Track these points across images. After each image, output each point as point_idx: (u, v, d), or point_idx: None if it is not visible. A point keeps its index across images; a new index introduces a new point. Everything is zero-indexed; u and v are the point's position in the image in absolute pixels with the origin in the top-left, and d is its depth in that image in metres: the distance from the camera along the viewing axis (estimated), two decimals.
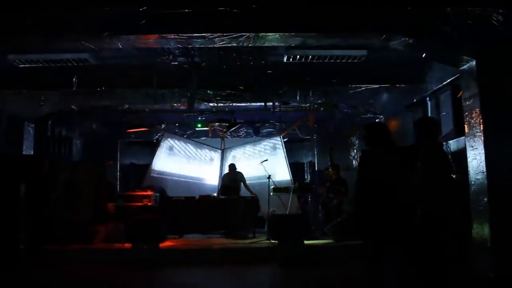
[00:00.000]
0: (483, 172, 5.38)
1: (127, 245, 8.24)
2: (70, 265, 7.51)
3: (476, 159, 5.54)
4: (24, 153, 8.77)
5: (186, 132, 11.96)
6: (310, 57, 7.35)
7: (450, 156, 6.56)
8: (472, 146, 5.60)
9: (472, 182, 5.62)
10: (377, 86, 8.42)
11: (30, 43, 5.78)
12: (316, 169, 12.14)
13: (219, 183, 11.17)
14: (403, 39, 5.39)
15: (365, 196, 4.44)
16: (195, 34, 5.33)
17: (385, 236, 4.31)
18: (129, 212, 9.03)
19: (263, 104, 9.04)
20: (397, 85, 8.30)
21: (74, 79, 7.90)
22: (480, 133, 5.43)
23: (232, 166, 10.54)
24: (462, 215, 5.57)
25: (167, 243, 8.56)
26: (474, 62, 5.52)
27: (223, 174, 10.97)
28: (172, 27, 5.25)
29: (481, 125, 5.41)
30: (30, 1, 4.73)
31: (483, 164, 5.38)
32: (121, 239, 8.67)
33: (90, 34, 5.31)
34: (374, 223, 4.35)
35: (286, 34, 5.40)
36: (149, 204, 9.08)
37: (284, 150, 11.80)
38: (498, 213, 5.33)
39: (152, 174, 11.14)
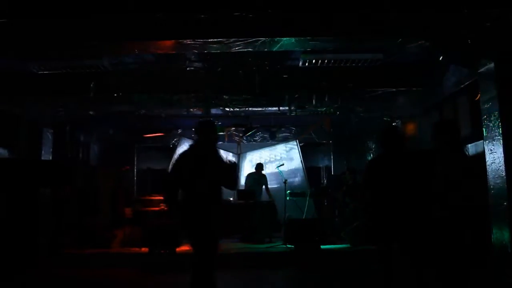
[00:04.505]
0: (502, 176, 5.29)
1: (144, 249, 8.31)
2: (86, 269, 7.59)
3: (495, 162, 5.46)
4: (42, 158, 8.88)
5: None
6: (326, 61, 7.31)
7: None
8: (491, 150, 5.52)
9: (491, 186, 5.54)
10: (394, 89, 8.34)
11: (49, 50, 5.85)
12: (332, 173, 12.07)
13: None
14: (419, 42, 5.35)
15: (375, 200, 4.50)
16: (211, 40, 5.35)
17: (394, 239, 4.37)
18: (146, 217, 9.09)
19: (278, 108, 9.05)
20: (414, 89, 8.22)
21: (91, 85, 7.98)
22: (499, 137, 5.35)
23: (260, 166, 10.53)
24: (483, 219, 5.51)
25: (183, 248, 8.58)
26: (492, 65, 5.46)
27: (248, 173, 10.96)
28: (188, 33, 5.27)
29: (500, 128, 5.33)
30: (49, 8, 4.79)
31: (503, 168, 5.30)
32: (138, 243, 8.74)
33: (107, 40, 5.36)
34: (384, 227, 4.41)
35: (302, 38, 5.39)
36: (165, 208, 9.10)
37: (300, 154, 11.77)
38: None
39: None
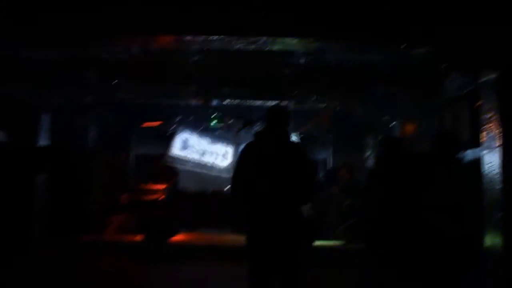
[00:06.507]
0: (498, 188, 5.29)
1: (138, 237, 8.36)
2: (79, 256, 7.62)
3: (491, 172, 5.46)
4: (40, 143, 8.86)
5: (201, 125, 11.96)
6: (328, 60, 7.26)
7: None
8: (488, 160, 5.51)
9: (487, 196, 5.54)
10: (394, 89, 8.30)
11: (49, 42, 5.80)
12: (330, 167, 12.07)
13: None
14: (422, 49, 5.31)
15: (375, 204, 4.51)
16: (211, 37, 5.30)
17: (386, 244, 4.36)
18: (142, 205, 9.11)
19: (278, 102, 9.01)
20: (415, 90, 8.17)
21: (90, 72, 7.92)
22: (497, 148, 5.34)
23: None
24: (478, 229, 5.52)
25: (178, 237, 8.65)
26: (494, 76, 5.42)
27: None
28: (188, 29, 5.22)
29: (499, 140, 5.31)
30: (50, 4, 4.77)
31: (499, 178, 5.30)
32: (133, 230, 8.79)
33: (106, 35, 5.32)
34: (377, 231, 4.42)
35: (305, 39, 5.35)
36: (161, 198, 9.13)
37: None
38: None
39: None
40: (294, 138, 11.87)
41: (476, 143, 6.38)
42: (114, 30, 5.25)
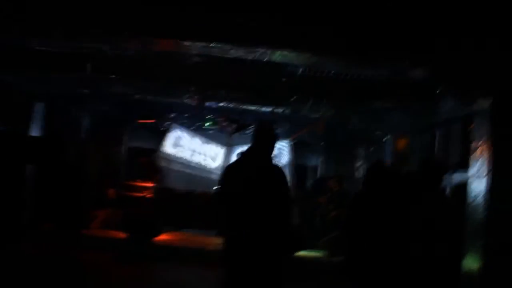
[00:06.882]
0: (480, 218, 5.33)
1: (122, 234, 8.34)
2: (62, 248, 7.59)
3: (476, 201, 5.48)
4: (33, 132, 8.81)
5: (194, 124, 11.93)
6: (325, 72, 7.28)
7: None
8: (474, 188, 5.54)
9: (469, 224, 5.55)
10: (390, 104, 8.32)
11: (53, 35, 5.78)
12: (319, 175, 12.10)
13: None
14: (418, 72, 5.34)
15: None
16: (211, 45, 5.29)
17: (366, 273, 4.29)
18: (128, 202, 9.06)
19: (273, 109, 9.05)
20: (409, 106, 8.20)
21: (88, 65, 7.88)
22: (485, 176, 5.36)
23: None
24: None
25: (162, 237, 8.63)
26: (488, 103, 5.44)
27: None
28: (188, 35, 5.20)
29: (488, 168, 5.33)
30: None
31: (483, 207, 5.33)
32: (117, 226, 8.76)
33: (109, 33, 5.31)
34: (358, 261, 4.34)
35: (304, 54, 5.36)
36: (148, 196, 9.09)
37: (291, 155, 11.76)
38: (493, 255, 5.29)
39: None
40: (286, 144, 11.91)
41: (465, 165, 6.42)
42: (115, 29, 5.23)
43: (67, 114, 9.80)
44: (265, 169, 3.84)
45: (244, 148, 11.76)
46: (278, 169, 3.97)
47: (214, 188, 9.87)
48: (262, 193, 3.70)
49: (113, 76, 8.18)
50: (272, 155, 3.97)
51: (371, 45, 5.11)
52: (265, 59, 5.64)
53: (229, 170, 3.99)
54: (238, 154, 9.47)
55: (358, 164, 11.52)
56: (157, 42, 5.51)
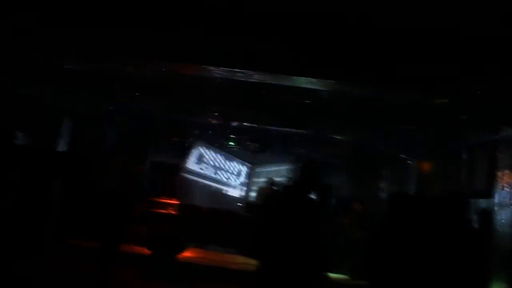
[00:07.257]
0: (506, 247, 5.24)
1: (146, 251, 8.41)
2: (87, 263, 7.68)
3: (502, 226, 5.41)
4: (59, 147, 9.03)
5: (218, 141, 12.02)
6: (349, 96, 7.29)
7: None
8: (501, 216, 5.46)
9: (496, 250, 5.46)
10: (414, 128, 8.25)
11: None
12: (343, 197, 12.01)
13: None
14: (442, 100, 5.32)
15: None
16: (234, 70, 5.39)
17: None
18: (153, 218, 9.17)
19: (295, 130, 9.10)
20: (434, 131, 8.12)
21: (116, 83, 8.07)
22: (510, 206, 5.29)
23: (273, 183, 10.57)
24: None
25: (186, 254, 8.66)
26: None
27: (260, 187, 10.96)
28: (212, 60, 5.32)
29: None
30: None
31: (509, 237, 5.25)
32: (141, 243, 8.84)
33: (133, 57, 5.47)
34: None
35: (323, 80, 5.41)
36: (173, 212, 9.19)
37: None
38: None
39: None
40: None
41: (490, 193, 6.31)
42: (145, 55, 5.39)
43: (94, 130, 10.00)
44: (307, 204, 4.02)
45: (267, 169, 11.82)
46: (317, 205, 4.11)
47: (246, 210, 9.94)
48: (300, 226, 3.89)
49: (139, 94, 8.36)
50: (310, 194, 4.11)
51: (396, 73, 5.12)
52: (290, 84, 5.70)
53: (271, 200, 4.37)
54: (270, 182, 9.60)
55: (382, 185, 11.41)
56: (180, 66, 5.63)
